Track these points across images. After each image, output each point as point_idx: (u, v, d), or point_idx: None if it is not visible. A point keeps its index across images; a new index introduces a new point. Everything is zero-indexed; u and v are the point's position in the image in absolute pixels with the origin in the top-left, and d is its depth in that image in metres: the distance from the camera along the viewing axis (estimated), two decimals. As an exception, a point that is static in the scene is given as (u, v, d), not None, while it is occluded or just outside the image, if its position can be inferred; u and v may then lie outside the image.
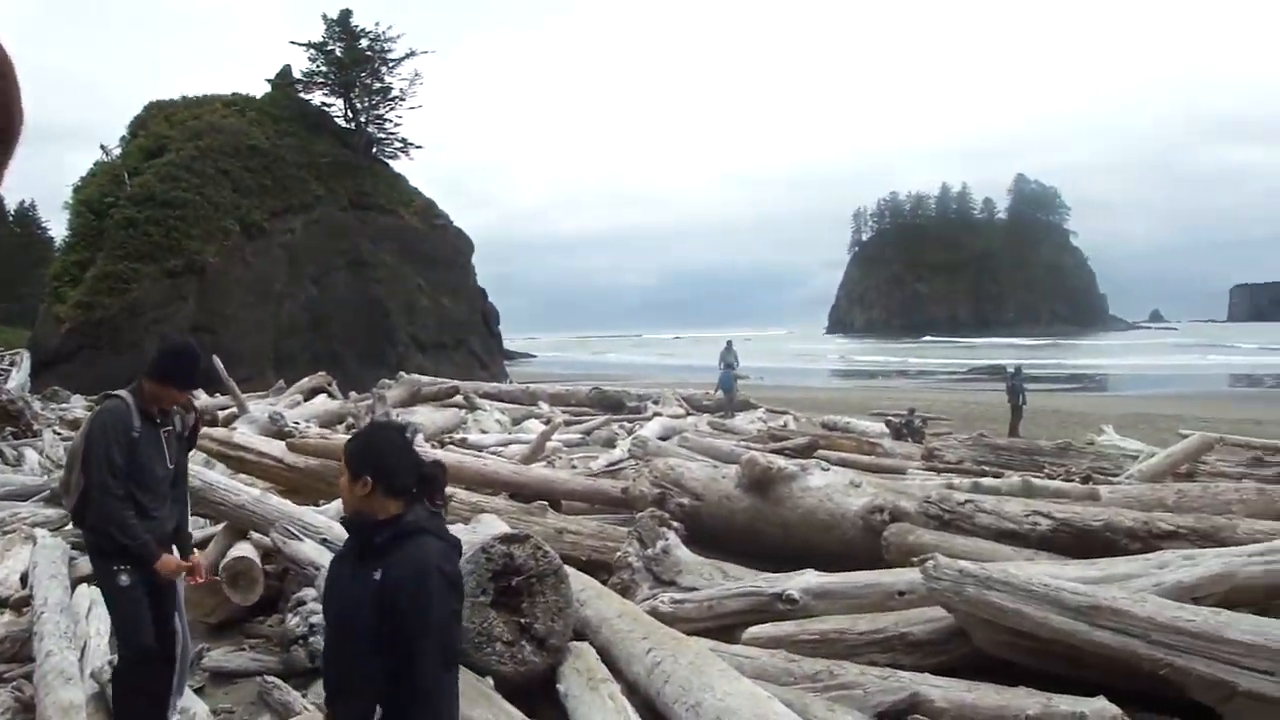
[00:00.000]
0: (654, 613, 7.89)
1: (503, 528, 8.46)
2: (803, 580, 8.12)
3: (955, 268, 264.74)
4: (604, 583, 8.56)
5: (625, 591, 8.64)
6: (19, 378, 32.58)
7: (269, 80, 72.22)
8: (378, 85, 73.70)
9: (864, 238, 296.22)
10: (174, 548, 6.52)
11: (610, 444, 21.81)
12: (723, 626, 7.95)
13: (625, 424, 26.00)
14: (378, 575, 3.78)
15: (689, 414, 29.33)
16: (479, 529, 8.94)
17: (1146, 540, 8.45)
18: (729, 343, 35.57)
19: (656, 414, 27.67)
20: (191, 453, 7.00)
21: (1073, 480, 13.49)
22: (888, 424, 24.87)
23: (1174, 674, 5.93)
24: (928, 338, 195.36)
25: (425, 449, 14.41)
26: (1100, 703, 5.81)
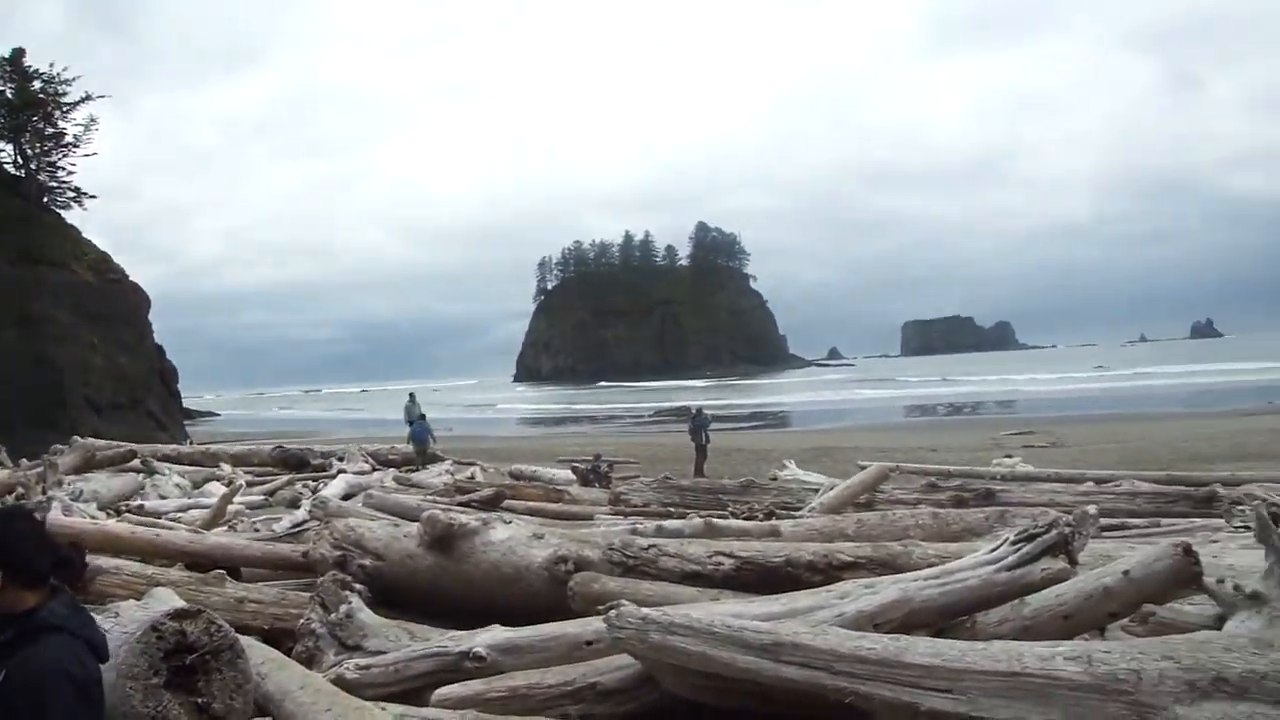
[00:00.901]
0: (339, 680, 7.56)
1: (177, 602, 7.97)
2: (489, 636, 7.92)
3: (640, 314, 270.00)
4: (288, 652, 8.18)
5: (310, 660, 8.27)
6: None
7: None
8: (50, 130, 70.22)
9: (549, 286, 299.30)
10: None
11: (294, 504, 21.16)
12: (411, 690, 7.67)
13: (310, 483, 25.30)
14: (1, 676, 3.42)
15: (375, 470, 28.75)
16: (151, 605, 8.42)
17: (828, 572, 8.58)
18: (411, 395, 35.15)
19: (341, 471, 27.01)
20: None
21: (756, 517, 13.68)
22: (574, 470, 24.94)
23: (859, 701, 5.98)
24: (614, 383, 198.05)
25: (84, 521, 13.61)
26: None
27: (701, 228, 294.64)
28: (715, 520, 12.15)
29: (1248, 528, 9.20)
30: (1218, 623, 7.64)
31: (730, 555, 9.08)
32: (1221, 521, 12.75)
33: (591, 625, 7.61)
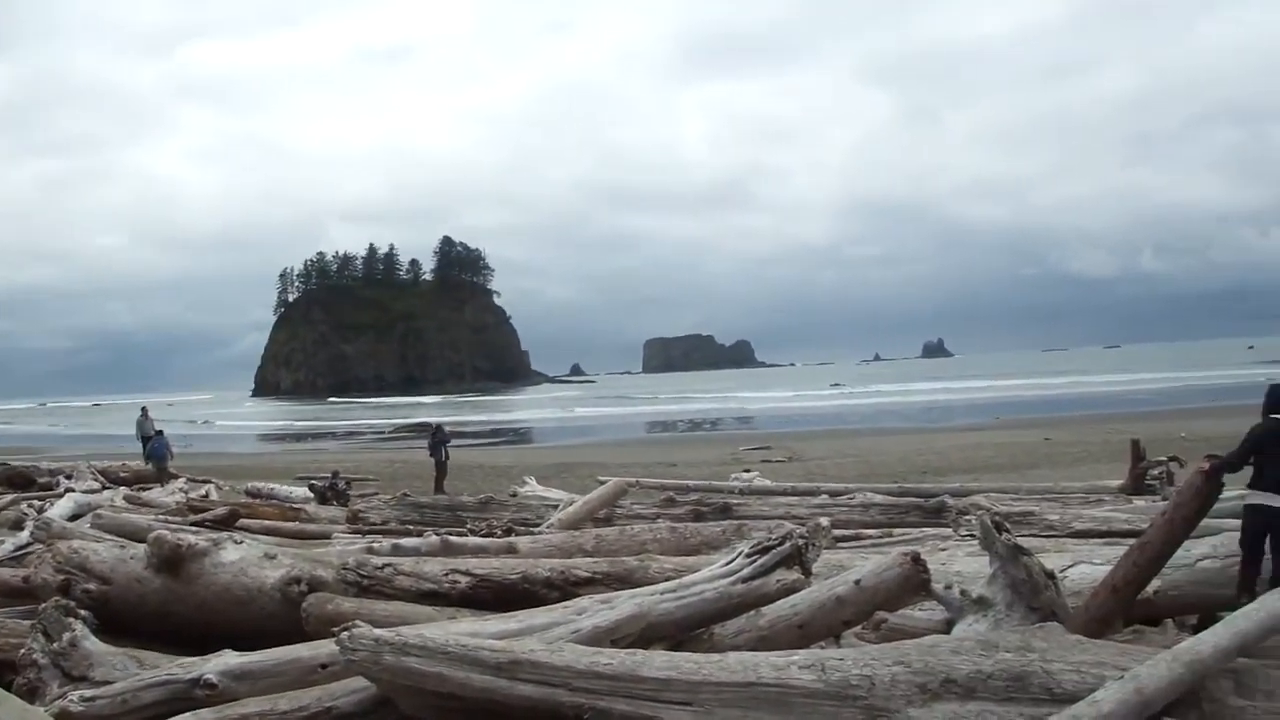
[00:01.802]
0: (63, 714, 7.16)
1: None
2: (220, 662, 7.58)
3: (382, 328, 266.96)
4: (8, 686, 7.69)
5: (33, 693, 7.79)
6: None
7: None
8: None
9: (290, 298, 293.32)
10: None
11: (18, 526, 20.08)
12: (144, 720, 7.31)
13: (35, 503, 24.05)
14: None
15: (105, 488, 27.54)
16: None
17: (565, 588, 8.51)
18: (144, 409, 33.91)
19: (70, 490, 25.78)
20: None
21: (494, 534, 13.53)
22: (312, 488, 24.36)
23: (597, 717, 5.93)
24: (355, 398, 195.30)
25: None
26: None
27: (446, 242, 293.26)
28: (452, 538, 11.95)
29: (973, 536, 9.46)
30: (946, 627, 7.85)
31: (467, 573, 8.93)
32: (950, 530, 13.14)
33: (326, 648, 7.36)
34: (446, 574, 8.97)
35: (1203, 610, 9.26)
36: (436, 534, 12.61)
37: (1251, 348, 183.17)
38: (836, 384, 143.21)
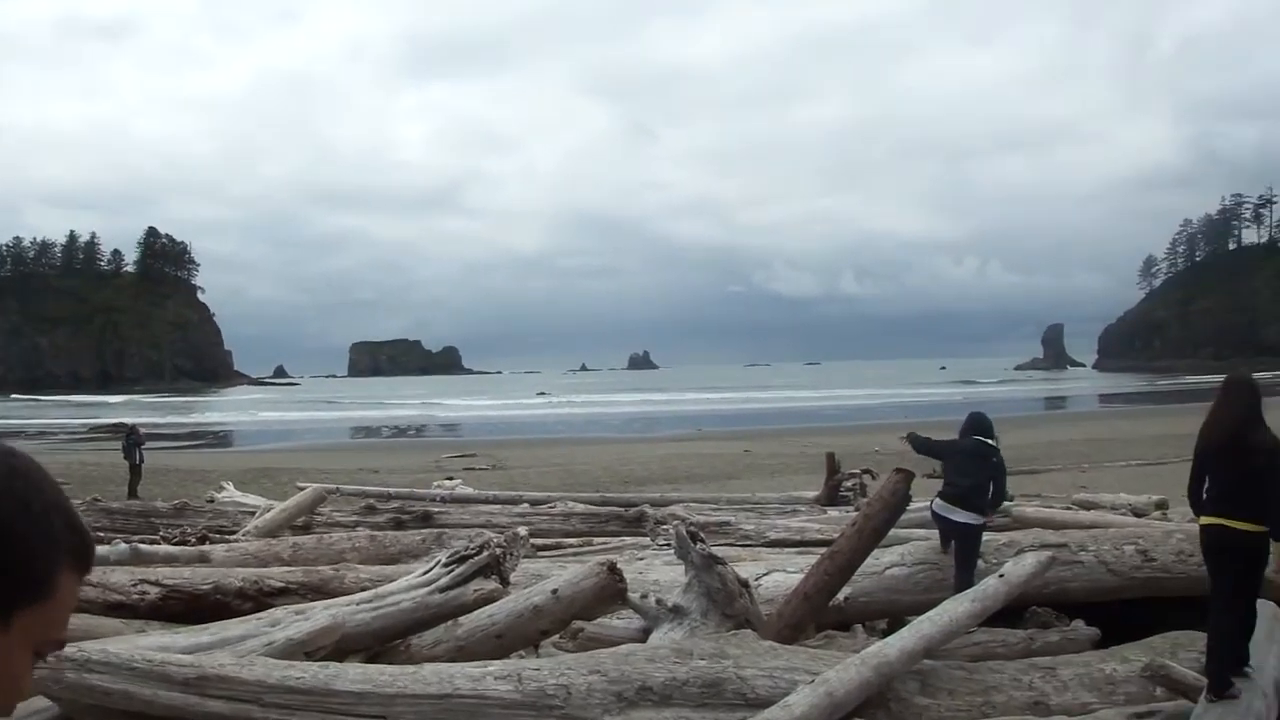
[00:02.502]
0: None
1: None
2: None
3: (79, 321, 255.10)
4: None
5: None
6: None
7: None
8: None
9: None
10: None
11: None
12: None
13: None
14: None
15: None
16: None
17: (258, 599, 8.29)
18: None
19: None
20: None
21: (188, 542, 13.08)
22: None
23: (289, 733, 5.78)
24: (48, 395, 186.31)
25: None
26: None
27: (151, 233, 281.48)
28: (143, 546, 11.50)
29: (670, 545, 9.61)
30: (644, 635, 7.93)
31: (157, 583, 8.61)
32: (649, 540, 13.30)
33: None
34: (135, 584, 8.63)
35: (891, 615, 9.66)
36: (127, 542, 12.11)
37: (944, 368, 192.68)
38: (543, 393, 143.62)
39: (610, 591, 7.70)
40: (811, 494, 19.78)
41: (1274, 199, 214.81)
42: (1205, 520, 7.57)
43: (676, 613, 7.90)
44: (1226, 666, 7.17)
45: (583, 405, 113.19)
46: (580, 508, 17.17)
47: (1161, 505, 18.52)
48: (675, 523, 9.99)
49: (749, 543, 12.80)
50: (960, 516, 9.71)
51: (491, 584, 7.73)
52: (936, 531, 10.08)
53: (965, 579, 9.24)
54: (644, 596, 8.15)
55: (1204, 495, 7.69)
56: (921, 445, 10.77)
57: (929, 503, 10.15)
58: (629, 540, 14.09)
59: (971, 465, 10.17)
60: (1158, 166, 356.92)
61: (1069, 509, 17.35)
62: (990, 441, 10.39)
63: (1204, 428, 7.91)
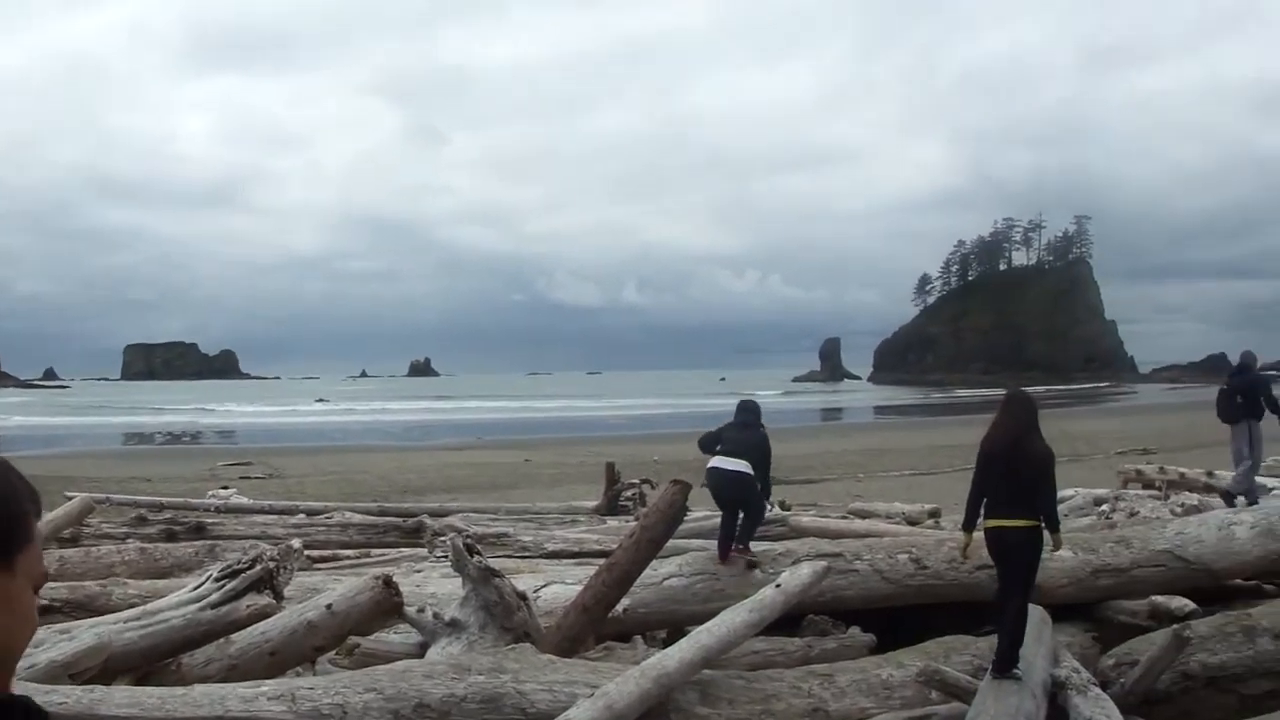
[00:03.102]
0: None
1: None
2: None
3: None
4: None
5: None
6: None
7: None
8: None
9: None
10: None
11: None
12: None
13: None
14: None
15: None
16: None
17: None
18: None
19: None
20: None
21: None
22: None
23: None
24: None
25: None
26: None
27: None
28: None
29: (448, 557, 9.57)
30: (421, 650, 7.87)
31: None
32: (426, 551, 13.21)
33: None
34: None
35: (670, 625, 9.77)
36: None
37: (724, 379, 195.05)
38: (322, 399, 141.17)
39: (386, 606, 7.63)
40: (591, 504, 19.91)
41: (1043, 224, 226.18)
42: (989, 524, 8.37)
43: (454, 627, 7.85)
44: (1018, 646, 7.88)
45: (362, 412, 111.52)
46: (358, 518, 16.95)
47: (934, 514, 19.07)
48: (452, 535, 9.96)
49: (527, 554, 12.79)
50: (734, 465, 10.50)
51: (265, 599, 7.58)
52: (714, 543, 10.36)
53: (747, 529, 10.38)
54: (421, 610, 8.09)
55: (985, 501, 8.49)
56: (704, 441, 11.27)
57: (705, 513, 10.43)
58: (407, 551, 14.00)
59: (743, 435, 10.89)
60: (935, 189, 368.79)
61: (845, 518, 17.81)
62: (757, 420, 11.21)
63: (985, 439, 8.70)
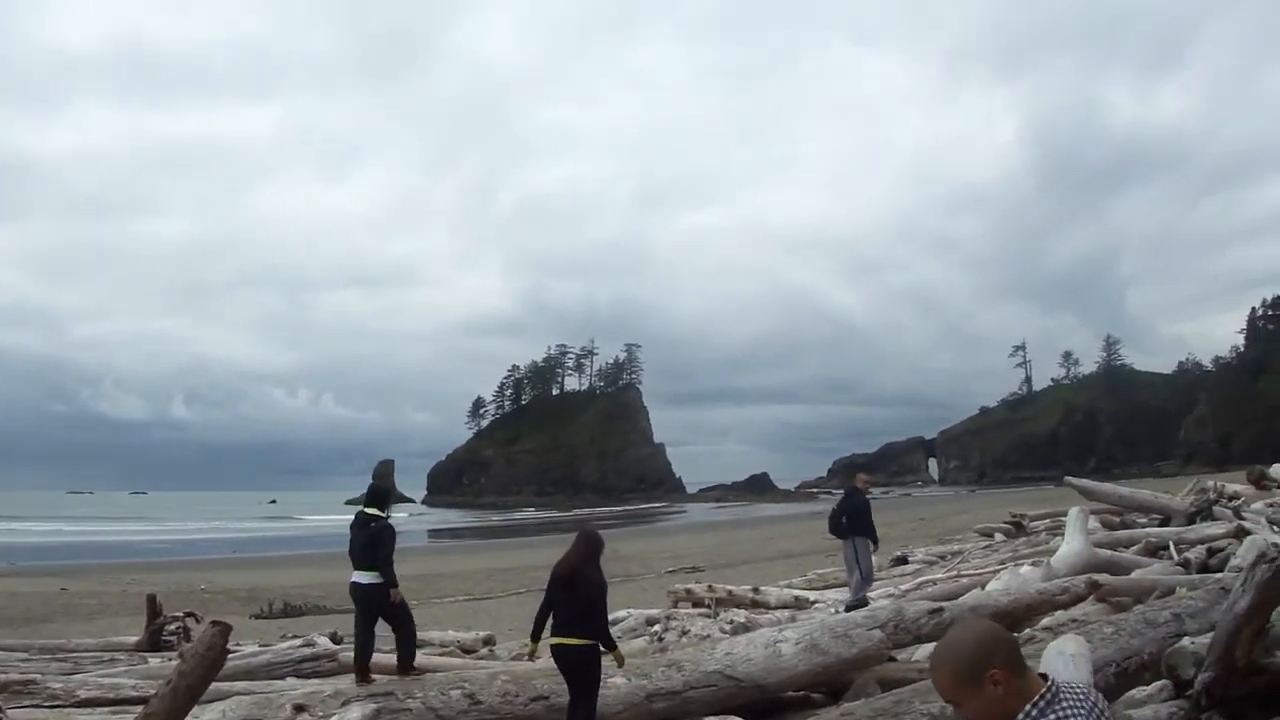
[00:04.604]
0: None
1: None
2: None
3: None
4: None
5: None
6: None
7: None
8: None
9: None
10: None
11: None
12: None
13: None
14: None
15: None
16: None
17: None
18: None
19: None
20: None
21: None
22: None
23: None
24: None
25: None
26: None
27: None
28: None
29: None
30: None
31: None
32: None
33: None
34: None
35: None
36: None
37: (274, 501, 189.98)
38: None
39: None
40: (133, 639, 18.79)
41: (595, 350, 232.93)
42: (554, 641, 9.60)
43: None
44: None
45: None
46: None
47: (489, 641, 19.01)
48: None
49: (57, 703, 11.74)
50: (364, 578, 11.43)
51: None
52: (261, 684, 10.01)
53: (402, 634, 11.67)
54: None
55: (551, 619, 9.89)
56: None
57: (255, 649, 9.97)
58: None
59: (357, 535, 11.60)
60: (489, 313, 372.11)
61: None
62: (372, 510, 11.76)
63: (556, 566, 10.05)
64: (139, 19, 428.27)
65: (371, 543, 11.45)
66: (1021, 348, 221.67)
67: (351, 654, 12.28)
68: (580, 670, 9.46)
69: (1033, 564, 17.33)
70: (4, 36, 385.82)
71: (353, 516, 11.91)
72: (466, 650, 18.02)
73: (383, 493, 12.51)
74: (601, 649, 9.68)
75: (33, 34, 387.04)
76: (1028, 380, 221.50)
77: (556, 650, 9.57)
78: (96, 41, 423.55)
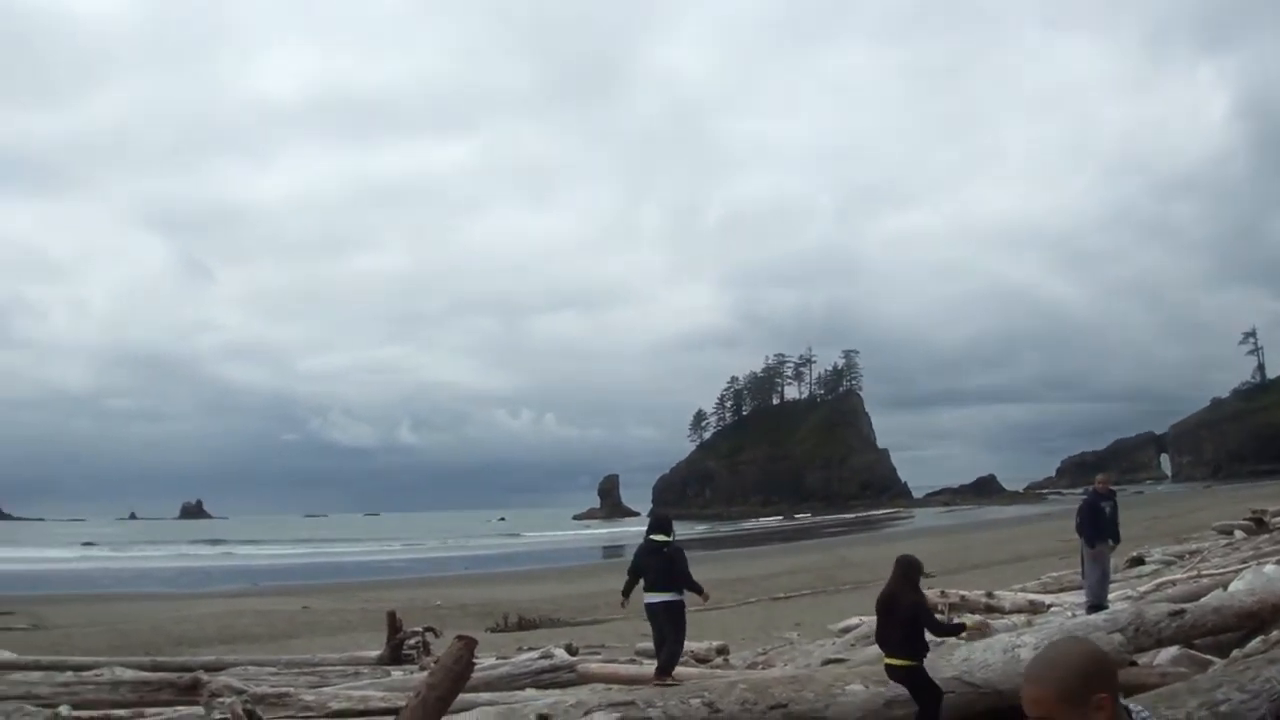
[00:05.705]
0: None
1: None
2: None
3: None
4: None
5: None
6: None
7: None
8: None
9: None
10: None
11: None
12: None
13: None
14: None
15: None
16: None
17: None
18: None
19: None
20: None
21: None
22: None
23: None
24: None
25: None
26: None
27: None
28: None
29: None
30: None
31: None
32: (203, 712, 12.63)
33: None
34: None
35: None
36: None
37: (503, 519, 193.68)
38: (89, 542, 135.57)
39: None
40: (374, 653, 19.40)
41: (813, 358, 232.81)
42: (885, 661, 10.22)
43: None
44: None
45: (132, 557, 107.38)
46: (129, 674, 16.13)
47: (723, 650, 19.08)
48: (232, 697, 9.53)
49: (310, 715, 12.27)
50: (662, 597, 13.11)
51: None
52: (504, 695, 10.30)
53: (675, 646, 13.18)
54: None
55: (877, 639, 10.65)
56: (629, 580, 13.79)
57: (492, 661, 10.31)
58: (184, 710, 13.33)
59: (651, 560, 13.34)
60: (704, 328, 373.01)
61: (634, 660, 17.63)
62: (660, 537, 13.52)
63: (881, 593, 10.57)
64: (336, 64, 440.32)
65: (669, 565, 13.13)
66: (1252, 334, 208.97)
67: (589, 664, 12.85)
68: (907, 685, 10.00)
69: (1277, 562, 16.68)
70: (214, 91, 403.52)
71: (642, 541, 13.81)
72: (700, 659, 18.15)
73: (667, 520, 13.99)
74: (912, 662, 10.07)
75: (240, 86, 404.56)
76: (1260, 368, 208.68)
77: (887, 669, 10.16)
78: (299, 88, 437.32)
